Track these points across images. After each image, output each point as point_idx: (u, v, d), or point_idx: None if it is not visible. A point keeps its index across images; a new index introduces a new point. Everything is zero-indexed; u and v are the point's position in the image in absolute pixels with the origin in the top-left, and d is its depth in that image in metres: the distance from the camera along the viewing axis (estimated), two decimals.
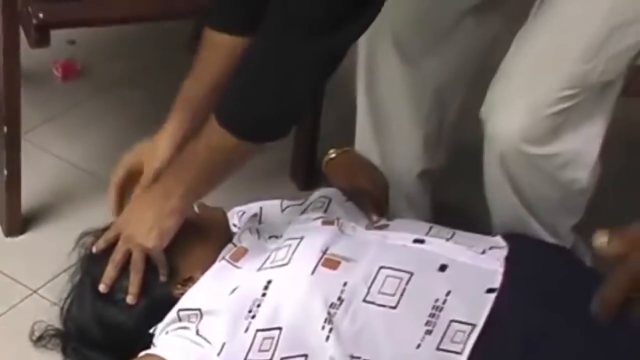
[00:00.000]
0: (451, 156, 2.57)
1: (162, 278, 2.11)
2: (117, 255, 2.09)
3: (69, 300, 2.17)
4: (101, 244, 2.14)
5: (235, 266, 2.08)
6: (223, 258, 2.11)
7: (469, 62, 2.33)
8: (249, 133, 2.01)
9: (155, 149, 2.18)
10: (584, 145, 2.20)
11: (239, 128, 1.99)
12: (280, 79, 1.98)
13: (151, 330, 2.06)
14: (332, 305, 1.96)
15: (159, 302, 2.09)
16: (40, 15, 2.26)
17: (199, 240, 2.18)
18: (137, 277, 2.09)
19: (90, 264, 2.15)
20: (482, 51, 2.33)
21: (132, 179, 2.19)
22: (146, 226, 2.08)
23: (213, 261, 2.12)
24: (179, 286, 2.11)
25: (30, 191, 2.53)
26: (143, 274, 2.09)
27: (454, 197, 2.56)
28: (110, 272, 2.09)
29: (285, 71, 1.96)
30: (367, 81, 2.43)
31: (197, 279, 2.09)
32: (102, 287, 2.09)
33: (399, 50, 2.35)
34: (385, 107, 2.44)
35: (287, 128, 2.07)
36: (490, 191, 2.31)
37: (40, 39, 2.29)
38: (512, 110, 2.15)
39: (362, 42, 2.36)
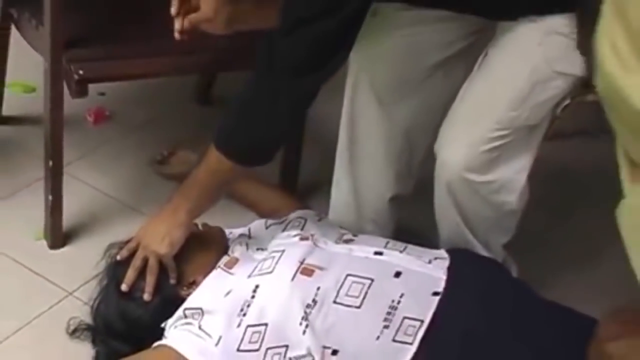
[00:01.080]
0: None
1: (172, 280, 2.14)
2: (136, 261, 2.13)
3: (97, 300, 2.18)
4: (124, 252, 2.17)
5: (229, 273, 2.11)
6: (219, 266, 2.14)
7: (437, 109, 2.29)
8: (241, 157, 2.07)
9: None
10: (513, 175, 2.21)
11: (233, 153, 2.05)
12: (267, 113, 2.03)
13: (162, 325, 2.07)
14: (308, 306, 1.97)
15: (168, 300, 2.11)
16: (81, 72, 2.28)
17: (202, 251, 2.20)
18: (152, 278, 2.12)
19: (115, 269, 2.17)
20: (448, 99, 2.27)
21: None
22: (160, 236, 2.12)
23: (212, 268, 2.14)
24: (185, 288, 2.14)
25: (70, 213, 2.53)
26: (157, 276, 2.12)
27: (410, 218, 2.53)
28: (130, 274, 2.12)
29: (271, 107, 2.02)
30: (349, 123, 2.41)
31: (200, 282, 2.11)
32: (124, 287, 2.11)
33: (376, 98, 2.33)
34: (361, 145, 2.42)
35: (272, 153, 2.12)
36: (439, 212, 2.31)
37: (80, 91, 2.30)
38: (457, 146, 2.16)
39: (347, 90, 2.38)
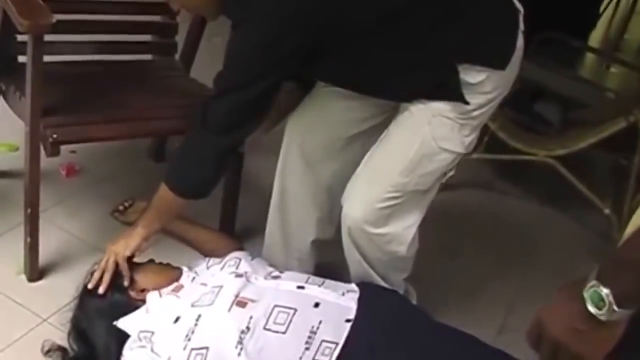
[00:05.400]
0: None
1: (125, 283, 2.14)
2: (102, 262, 2.15)
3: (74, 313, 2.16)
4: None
5: (177, 297, 2.10)
6: (168, 293, 2.13)
7: (353, 169, 2.24)
8: (181, 192, 2.13)
9: None
10: (403, 230, 2.20)
11: (175, 188, 2.13)
12: (199, 159, 2.10)
13: (117, 324, 2.06)
14: (242, 332, 1.94)
15: (121, 299, 2.12)
16: (55, 136, 2.24)
17: (157, 271, 2.22)
18: (108, 275, 2.13)
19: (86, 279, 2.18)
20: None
21: None
22: (121, 242, 2.18)
23: (161, 286, 2.14)
24: (136, 292, 2.13)
25: (45, 252, 2.47)
26: (113, 275, 2.13)
27: (330, 258, 2.49)
28: (96, 274, 2.14)
29: (201, 154, 2.09)
30: (281, 178, 2.40)
31: (148, 291, 2.13)
32: (90, 285, 2.13)
33: (303, 160, 2.33)
34: (291, 197, 2.40)
35: (204, 191, 2.15)
36: (346, 253, 2.29)
37: (54, 151, 2.27)
38: (357, 202, 2.16)
39: (282, 151, 2.38)
